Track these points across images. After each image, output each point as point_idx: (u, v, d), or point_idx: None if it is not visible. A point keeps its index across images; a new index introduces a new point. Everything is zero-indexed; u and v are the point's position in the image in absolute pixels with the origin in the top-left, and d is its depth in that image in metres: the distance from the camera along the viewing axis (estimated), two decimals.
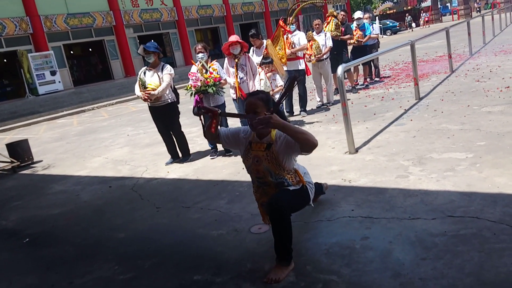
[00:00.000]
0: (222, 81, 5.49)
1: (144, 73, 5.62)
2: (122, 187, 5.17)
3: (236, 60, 5.69)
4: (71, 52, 24.93)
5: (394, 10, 45.04)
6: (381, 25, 33.67)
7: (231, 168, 5.09)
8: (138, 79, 5.58)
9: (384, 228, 3.02)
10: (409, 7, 45.07)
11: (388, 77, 10.81)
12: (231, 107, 6.86)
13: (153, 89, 5.43)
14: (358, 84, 10.08)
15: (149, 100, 5.51)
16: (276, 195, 2.74)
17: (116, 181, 5.52)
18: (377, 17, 37.73)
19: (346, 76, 9.93)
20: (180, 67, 24.00)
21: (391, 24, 37.03)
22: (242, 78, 5.71)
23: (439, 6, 45.95)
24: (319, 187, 3.56)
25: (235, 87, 5.71)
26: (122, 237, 3.68)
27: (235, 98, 5.86)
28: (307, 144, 2.60)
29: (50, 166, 7.08)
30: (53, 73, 19.05)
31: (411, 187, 3.64)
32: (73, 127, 12.15)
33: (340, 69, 4.83)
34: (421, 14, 41.29)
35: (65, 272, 3.21)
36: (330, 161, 4.75)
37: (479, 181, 3.49)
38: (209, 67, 5.44)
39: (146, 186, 5.05)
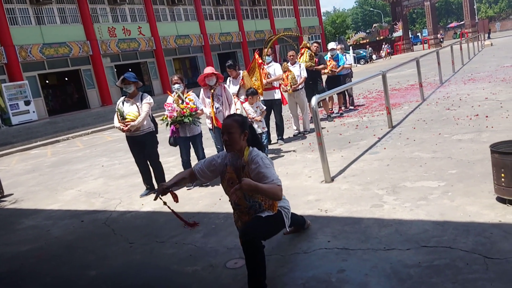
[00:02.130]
0: (198, 111, 5.50)
1: (123, 103, 5.58)
2: (95, 221, 5.03)
3: (212, 90, 5.72)
4: (47, 81, 24.71)
5: (367, 40, 46.55)
6: (355, 55, 34.66)
7: (208, 199, 5.03)
8: (116, 109, 5.53)
9: (360, 260, 3.01)
10: (382, 37, 46.68)
11: (362, 105, 11.05)
12: (207, 136, 6.86)
13: (132, 120, 5.38)
14: (333, 112, 10.26)
15: (127, 131, 5.46)
16: (247, 225, 2.73)
17: (88, 214, 5.37)
18: (351, 47, 38.83)
19: (321, 105, 10.12)
20: (158, 95, 24.00)
21: (364, 53, 38.15)
22: (218, 108, 5.74)
23: (410, 36, 47.73)
24: (302, 221, 3.56)
25: (211, 117, 5.73)
26: (93, 275, 3.55)
27: (211, 127, 5.87)
28: (273, 198, 2.72)
29: (21, 200, 6.85)
30: (27, 103, 18.76)
31: (386, 216, 3.67)
32: (47, 158, 11.88)
33: (314, 100, 4.91)
34: (382, 46, 40.87)
35: None
36: (307, 190, 4.76)
37: (451, 210, 3.54)
38: (185, 97, 5.45)
39: (119, 220, 4.93)
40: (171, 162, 7.41)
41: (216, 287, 3.01)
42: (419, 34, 58.97)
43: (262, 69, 7.39)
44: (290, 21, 38.31)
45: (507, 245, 2.83)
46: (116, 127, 5.52)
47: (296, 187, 4.93)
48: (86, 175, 8.11)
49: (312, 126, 8.95)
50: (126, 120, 5.35)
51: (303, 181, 5.13)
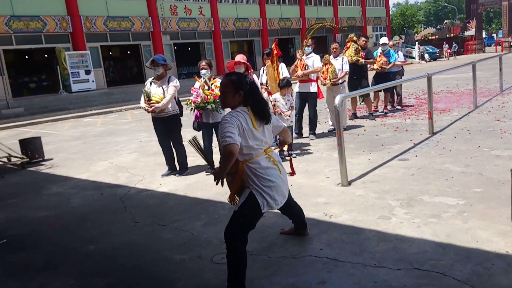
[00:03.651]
0: None
1: (150, 84, 5.69)
2: (113, 196, 5.20)
3: None
4: (110, 53, 25.77)
5: (436, 37, 44.10)
6: (411, 50, 32.78)
7: (221, 187, 5.02)
8: (143, 90, 5.65)
9: (345, 273, 2.87)
10: (452, 35, 44.03)
11: (411, 106, 10.52)
12: None
13: (157, 102, 5.47)
14: (377, 110, 9.87)
15: (152, 112, 5.57)
16: (227, 226, 2.76)
17: (110, 188, 5.57)
18: (417, 42, 36.99)
19: (364, 102, 9.75)
20: None
21: (431, 50, 36.21)
22: None
23: (484, 36, 44.63)
24: (304, 224, 3.47)
25: None
26: (91, 250, 3.68)
27: None
28: (231, 160, 2.61)
29: (56, 166, 7.24)
30: (87, 72, 19.71)
31: (389, 230, 3.46)
32: (95, 127, 12.46)
33: (338, 99, 4.70)
34: (443, 45, 37.54)
35: (25, 280, 3.22)
36: (319, 191, 4.61)
37: (460, 232, 3.28)
38: (212, 84, 5.44)
39: (134, 198, 5.06)
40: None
41: (196, 279, 3.00)
42: (494, 34, 54.94)
43: (301, 60, 7.21)
44: (355, 10, 37.10)
45: (505, 280, 2.57)
46: (142, 107, 5.63)
47: (310, 186, 4.79)
48: (123, 148, 8.41)
49: (351, 123, 8.69)
50: (151, 101, 5.44)
51: (319, 181, 4.97)
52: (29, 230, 4.29)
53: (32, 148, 7.58)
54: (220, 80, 5.53)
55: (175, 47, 25.10)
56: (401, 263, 2.91)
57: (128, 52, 26.36)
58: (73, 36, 20.13)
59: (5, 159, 7.56)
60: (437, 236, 3.26)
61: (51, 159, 7.86)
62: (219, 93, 2.84)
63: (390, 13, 46.12)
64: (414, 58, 34.63)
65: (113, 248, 3.66)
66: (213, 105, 5.28)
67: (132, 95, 19.57)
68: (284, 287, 2.78)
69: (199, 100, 5.31)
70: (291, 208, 3.22)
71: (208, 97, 5.26)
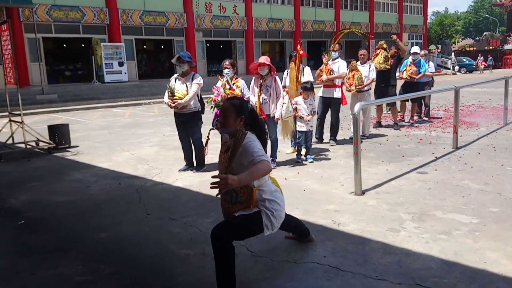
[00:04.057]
0: (244, 99, 5.52)
1: (175, 80, 5.80)
2: (130, 187, 5.33)
3: (261, 80, 5.69)
4: (144, 46, 26.32)
5: (474, 48, 42.85)
6: (443, 61, 31.86)
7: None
8: (167, 85, 5.77)
9: (345, 283, 2.85)
10: (491, 48, 42.67)
11: (439, 118, 10.29)
12: None
13: (180, 98, 5.58)
14: (403, 120, 9.71)
15: (174, 108, 5.68)
16: (218, 227, 2.68)
17: (128, 179, 5.70)
18: (453, 53, 36.03)
19: (390, 111, 9.61)
20: (241, 75, 24.41)
21: (467, 62, 35.21)
22: (264, 99, 5.70)
23: None
24: (305, 232, 3.43)
25: (256, 106, 5.71)
26: (101, 238, 3.79)
27: None
28: (264, 175, 2.65)
29: (81, 153, 7.47)
30: (120, 64, 20.19)
31: (396, 244, 3.42)
32: (123, 118, 12.76)
33: (357, 107, 4.66)
34: (478, 58, 36.02)
35: (36, 262, 3.36)
36: (331, 198, 4.59)
37: (469, 251, 3.20)
38: (233, 83, 5.49)
39: (150, 190, 5.17)
40: (214, 144, 7.55)
41: (197, 275, 3.05)
42: None
43: (326, 64, 7.18)
44: (391, 17, 36.50)
45: None
46: (165, 103, 5.75)
47: (322, 193, 4.77)
48: (146, 140, 8.59)
49: (375, 131, 8.58)
50: (175, 97, 5.55)
51: (333, 189, 4.94)
52: (47, 214, 4.45)
53: (59, 135, 7.84)
54: (242, 81, 5.59)
55: (207, 44, 25.38)
56: (403, 278, 2.88)
57: (162, 47, 26.84)
58: (110, 28, 20.66)
59: (33, 143, 7.86)
60: (445, 253, 3.20)
61: (77, 146, 8.11)
62: (221, 117, 2.78)
63: (428, 21, 45.14)
64: (449, 69, 33.75)
65: (122, 238, 3.76)
66: None
67: (161, 89, 19.90)
68: None
69: (219, 99, 5.38)
70: (286, 223, 3.10)
71: (228, 96, 5.31)
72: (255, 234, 2.85)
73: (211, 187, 2.44)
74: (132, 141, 8.62)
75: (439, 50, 38.69)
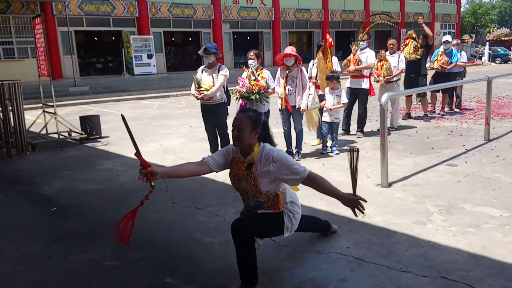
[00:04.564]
0: (269, 90, 5.53)
1: (202, 72, 5.85)
2: None
3: (287, 71, 5.67)
4: (172, 39, 26.56)
5: (510, 38, 41.13)
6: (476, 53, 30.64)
7: None
8: (194, 77, 5.83)
9: (368, 274, 2.84)
10: None
11: (471, 110, 9.99)
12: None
13: (207, 89, 5.63)
14: (434, 112, 9.48)
15: (201, 99, 5.74)
16: (241, 221, 2.71)
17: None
18: (488, 43, 34.71)
19: (420, 102, 9.38)
20: (268, 66, 24.36)
21: (502, 52, 33.84)
22: (290, 90, 5.68)
23: None
24: (325, 227, 3.41)
25: (282, 97, 5.70)
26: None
27: (280, 108, 5.85)
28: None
29: (111, 143, 7.66)
30: (149, 56, 20.46)
31: (422, 236, 3.37)
32: (152, 110, 12.98)
33: (384, 98, 4.59)
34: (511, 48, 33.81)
35: (67, 246, 3.49)
36: (357, 190, 4.53)
37: (498, 245, 3.12)
38: (258, 74, 5.49)
39: (177, 180, 5.23)
40: None
41: (220, 263, 3.10)
42: None
43: (354, 54, 7.07)
44: (423, 6, 35.41)
45: None
46: (191, 94, 5.81)
47: (347, 185, 4.67)
48: (173, 132, 8.72)
49: (404, 123, 8.42)
50: (201, 89, 5.60)
51: (358, 180, 4.86)
52: (78, 201, 4.61)
53: (90, 125, 8.07)
54: (267, 72, 5.58)
55: (234, 36, 25.38)
56: (429, 270, 2.84)
57: (190, 39, 27.03)
58: (139, 20, 20.95)
59: (66, 134, 8.12)
60: (472, 247, 3.13)
61: (107, 136, 8.32)
62: (235, 130, 2.71)
63: (462, 10, 43.62)
64: (479, 58, 32.58)
65: (149, 225, 3.86)
66: (257, 96, 5.34)
67: (189, 81, 19.86)
68: (304, 280, 2.80)
69: (244, 90, 5.40)
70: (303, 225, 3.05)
71: (253, 87, 5.33)
72: (274, 234, 2.87)
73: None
74: (160, 132, 8.77)
75: (472, 40, 37.35)
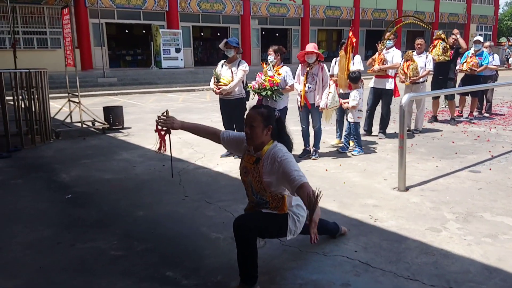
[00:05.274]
0: (287, 87, 5.45)
1: (222, 66, 5.85)
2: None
3: (308, 68, 5.57)
4: (201, 33, 26.71)
5: None
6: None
7: None
8: (213, 72, 5.82)
9: (373, 280, 2.75)
10: None
11: (502, 115, 9.61)
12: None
13: (225, 84, 5.62)
14: (462, 115, 9.16)
15: (219, 94, 5.73)
16: (243, 217, 2.66)
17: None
18: None
19: (448, 105, 9.09)
20: (295, 64, 24.17)
21: None
22: (310, 87, 5.58)
23: None
24: (334, 230, 3.33)
25: (301, 95, 5.62)
26: (139, 215, 3.92)
27: (299, 106, 5.76)
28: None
29: (132, 134, 7.76)
30: (177, 50, 20.63)
31: (435, 244, 3.24)
32: (176, 103, 13.08)
33: (405, 98, 4.44)
34: None
35: (77, 234, 3.54)
36: (372, 193, 4.43)
37: None
38: (276, 71, 5.42)
39: (191, 173, 5.27)
40: None
41: (223, 259, 3.07)
42: None
43: (379, 53, 6.90)
44: (458, 6, 34.34)
45: None
46: (210, 88, 5.80)
47: (363, 187, 4.62)
48: None
49: (429, 126, 8.18)
50: (220, 83, 5.58)
51: (375, 183, 4.77)
52: (93, 190, 4.67)
53: (113, 116, 8.19)
54: (285, 68, 5.51)
55: (263, 32, 25.29)
56: (437, 280, 2.72)
57: (218, 34, 27.11)
58: (168, 14, 21.16)
59: (89, 123, 8.28)
60: (487, 258, 2.99)
61: (130, 128, 8.43)
62: (247, 127, 2.66)
63: (500, 11, 42.06)
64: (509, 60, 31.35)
65: (158, 217, 3.87)
66: (269, 92, 5.27)
67: None
68: (306, 282, 2.74)
69: (257, 86, 5.35)
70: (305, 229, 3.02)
71: (265, 83, 5.26)
72: (276, 235, 2.80)
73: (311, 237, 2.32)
74: None
75: (510, 43, 36.00)
